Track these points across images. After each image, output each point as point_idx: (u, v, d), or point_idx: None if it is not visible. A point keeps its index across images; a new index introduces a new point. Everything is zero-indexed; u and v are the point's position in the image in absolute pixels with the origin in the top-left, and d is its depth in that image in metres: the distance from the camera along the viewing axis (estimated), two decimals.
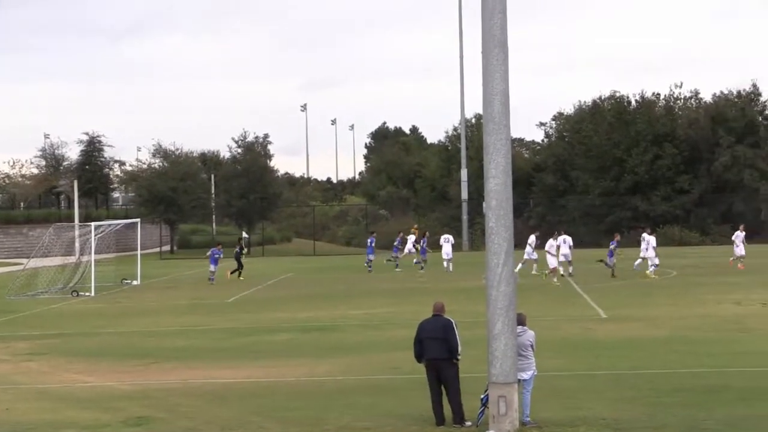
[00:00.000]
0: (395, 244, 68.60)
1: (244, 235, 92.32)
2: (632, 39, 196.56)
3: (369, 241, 67.22)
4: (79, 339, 36.27)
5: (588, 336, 32.89)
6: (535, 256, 57.36)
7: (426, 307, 39.14)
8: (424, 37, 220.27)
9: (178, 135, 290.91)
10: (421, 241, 66.14)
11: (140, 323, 40.55)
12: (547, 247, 53.90)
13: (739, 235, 58.58)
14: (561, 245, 55.83)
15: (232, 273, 61.81)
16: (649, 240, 54.66)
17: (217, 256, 60.09)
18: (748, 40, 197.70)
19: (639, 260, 56.19)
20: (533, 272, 56.30)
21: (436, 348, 20.20)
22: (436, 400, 20.21)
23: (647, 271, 53.87)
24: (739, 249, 57.96)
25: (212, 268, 59.36)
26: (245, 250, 65.92)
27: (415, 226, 76.50)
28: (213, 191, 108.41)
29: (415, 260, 65.98)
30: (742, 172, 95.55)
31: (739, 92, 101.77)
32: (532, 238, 58.04)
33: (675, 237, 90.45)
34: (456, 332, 20.18)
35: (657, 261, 54.47)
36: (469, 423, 19.93)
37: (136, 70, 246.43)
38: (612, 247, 55.59)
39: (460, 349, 20.19)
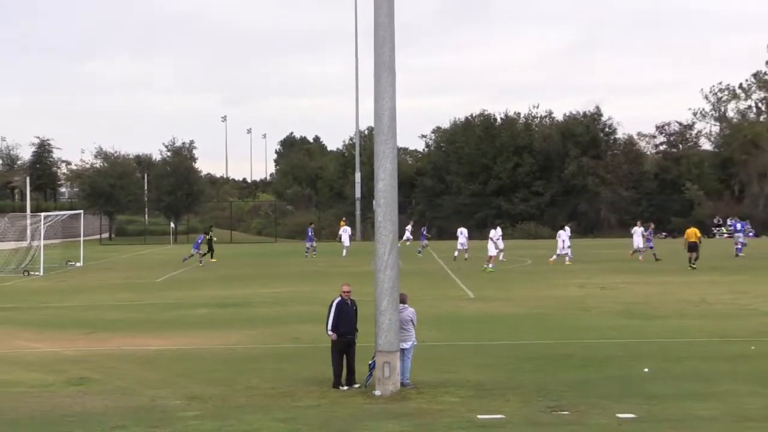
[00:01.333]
0: (423, 233, 68.70)
1: (172, 225, 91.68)
2: (499, 67, 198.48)
3: (309, 231, 66.08)
4: (29, 312, 35.64)
5: (458, 313, 33.09)
6: (566, 251, 53.79)
7: (323, 286, 39.25)
8: (327, 61, 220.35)
9: (117, 140, 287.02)
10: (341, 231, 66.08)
11: (82, 299, 39.91)
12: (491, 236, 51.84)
13: (637, 230, 55.96)
14: (461, 237, 57.24)
15: (210, 257, 61.18)
16: (560, 233, 54.40)
17: (200, 241, 60.01)
18: (594, 69, 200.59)
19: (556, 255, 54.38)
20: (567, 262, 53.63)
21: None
22: (340, 371, 20.16)
23: (551, 259, 53.72)
24: (637, 242, 55.52)
25: (194, 251, 58.69)
26: (215, 238, 65.05)
27: (343, 219, 76.02)
28: (146, 188, 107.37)
29: (311, 250, 65.14)
30: (587, 178, 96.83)
31: (585, 113, 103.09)
32: (563, 233, 54.93)
33: (531, 232, 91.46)
34: (330, 311, 20.27)
35: (564, 252, 53.42)
36: (345, 387, 19.87)
37: (83, 83, 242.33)
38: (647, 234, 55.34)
39: (327, 326, 20.28)
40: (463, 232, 58.18)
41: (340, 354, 20.11)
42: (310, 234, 65.49)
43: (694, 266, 48.71)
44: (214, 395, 19.57)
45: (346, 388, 19.87)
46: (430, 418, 17.13)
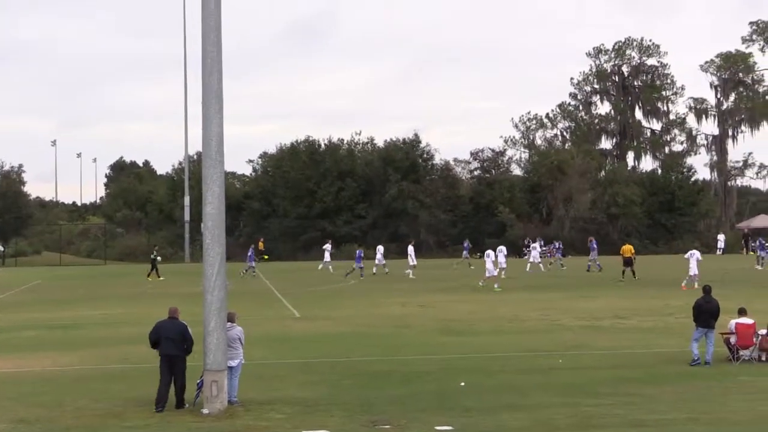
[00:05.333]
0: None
1: (0, 248, 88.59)
2: (324, 96, 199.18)
3: (328, 246, 64.17)
4: None
5: (285, 332, 32.93)
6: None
7: (152, 308, 38.48)
8: (158, 87, 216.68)
9: None
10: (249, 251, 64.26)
11: None
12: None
13: (694, 253, 49.24)
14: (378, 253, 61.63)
15: (156, 275, 61.39)
16: (488, 253, 52.30)
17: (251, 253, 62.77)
18: (413, 99, 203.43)
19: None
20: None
21: (173, 346, 19.85)
22: (164, 387, 19.74)
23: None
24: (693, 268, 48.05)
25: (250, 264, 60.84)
26: (159, 258, 64.17)
27: (261, 239, 74.61)
28: None
29: (245, 269, 63.05)
30: (406, 202, 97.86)
31: (404, 139, 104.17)
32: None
33: (354, 253, 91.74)
34: (190, 333, 19.97)
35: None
36: (186, 405, 19.62)
37: None
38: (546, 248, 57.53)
39: (193, 347, 20.03)
40: (379, 249, 62.58)
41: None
42: (359, 256, 61.56)
43: (636, 278, 52.45)
44: (41, 417, 18.92)
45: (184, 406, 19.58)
46: None
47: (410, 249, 62.28)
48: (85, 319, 38.14)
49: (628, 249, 55.06)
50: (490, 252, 52.48)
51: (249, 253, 64.38)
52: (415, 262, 61.30)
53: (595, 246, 64.38)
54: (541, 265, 61.84)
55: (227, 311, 19.94)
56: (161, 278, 60.90)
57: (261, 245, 67.99)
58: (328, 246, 66.13)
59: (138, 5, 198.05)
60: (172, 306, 20.84)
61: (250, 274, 61.75)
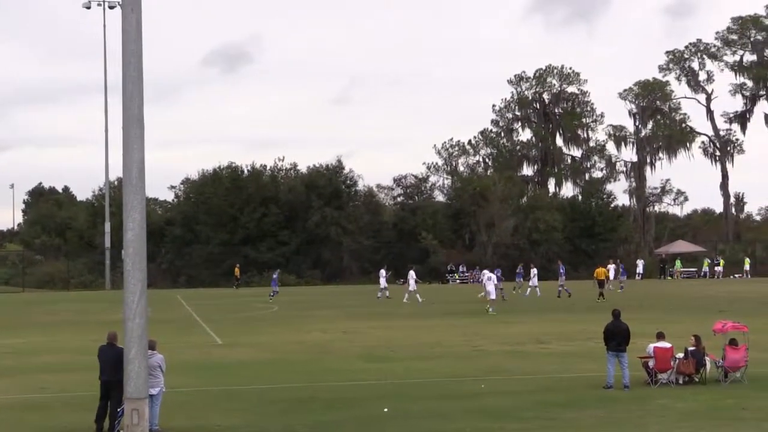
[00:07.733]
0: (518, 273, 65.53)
1: None
2: (247, 121, 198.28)
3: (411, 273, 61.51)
4: None
5: (207, 359, 32.61)
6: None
7: (71, 336, 37.91)
8: (77, 112, 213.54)
9: None
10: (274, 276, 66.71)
11: None
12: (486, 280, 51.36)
13: (412, 275, 59.63)
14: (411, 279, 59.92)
15: None
16: (490, 276, 51.86)
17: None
18: (337, 125, 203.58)
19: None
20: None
21: (108, 371, 19.72)
22: (101, 414, 19.59)
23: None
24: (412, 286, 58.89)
25: (494, 291, 51.20)
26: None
27: (237, 265, 74.25)
28: None
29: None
30: (329, 228, 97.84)
31: (327, 166, 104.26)
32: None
33: (279, 281, 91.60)
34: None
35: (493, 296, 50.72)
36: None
37: None
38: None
39: None
40: (412, 275, 60.41)
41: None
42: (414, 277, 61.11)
43: (599, 300, 55.08)
44: None
45: None
46: None
47: (411, 273, 60.92)
48: (1, 348, 37.37)
49: (601, 272, 58.84)
50: (491, 275, 51.96)
51: (274, 276, 67.15)
52: (415, 288, 59.99)
53: (563, 270, 64.33)
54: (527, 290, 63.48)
55: (148, 338, 19.74)
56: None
57: (237, 271, 68.04)
58: (412, 273, 63.03)
59: (56, 29, 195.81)
60: (111, 331, 20.62)
61: (269, 298, 63.23)
